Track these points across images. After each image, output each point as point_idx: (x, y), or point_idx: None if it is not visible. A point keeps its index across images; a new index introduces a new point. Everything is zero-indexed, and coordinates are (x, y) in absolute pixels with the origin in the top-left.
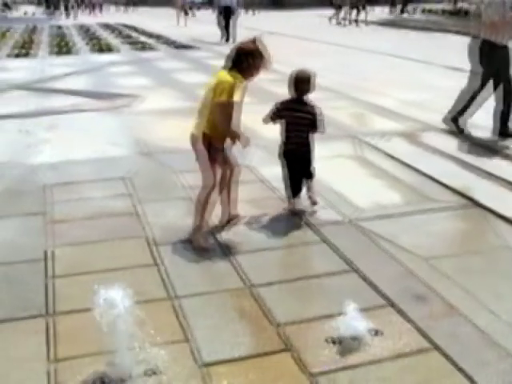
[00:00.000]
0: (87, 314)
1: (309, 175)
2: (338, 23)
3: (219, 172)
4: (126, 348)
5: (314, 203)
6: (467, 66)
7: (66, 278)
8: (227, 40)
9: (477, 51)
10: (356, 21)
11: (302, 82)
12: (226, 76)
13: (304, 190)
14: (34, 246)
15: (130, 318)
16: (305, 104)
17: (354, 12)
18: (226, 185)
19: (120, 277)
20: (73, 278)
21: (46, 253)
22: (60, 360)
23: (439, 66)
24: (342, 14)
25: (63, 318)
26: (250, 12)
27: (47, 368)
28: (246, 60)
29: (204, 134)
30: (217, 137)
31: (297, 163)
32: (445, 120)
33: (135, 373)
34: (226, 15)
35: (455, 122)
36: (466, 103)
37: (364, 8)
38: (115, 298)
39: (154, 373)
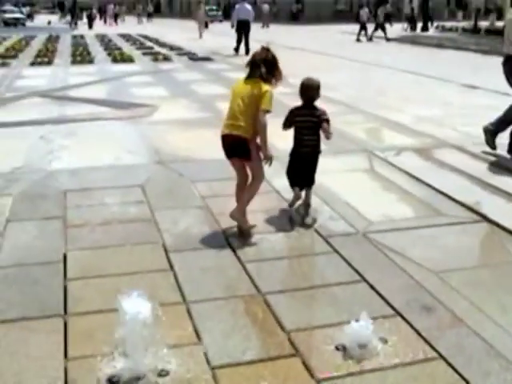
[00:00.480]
0: (103, 315)
1: (311, 182)
2: (358, 40)
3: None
4: (140, 349)
5: (308, 205)
6: (482, 83)
7: (83, 280)
8: (236, 50)
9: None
10: (387, 39)
11: (309, 89)
12: (265, 85)
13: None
14: (53, 249)
15: (145, 321)
16: (314, 109)
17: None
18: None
19: (135, 281)
20: (90, 280)
21: (65, 255)
22: (76, 358)
23: (455, 83)
24: (368, 31)
25: (79, 319)
26: (264, 26)
27: (64, 365)
28: (265, 67)
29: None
30: (253, 142)
31: (305, 165)
32: (486, 130)
33: (148, 373)
34: (243, 29)
35: (494, 136)
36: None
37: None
38: (131, 301)
39: (167, 373)
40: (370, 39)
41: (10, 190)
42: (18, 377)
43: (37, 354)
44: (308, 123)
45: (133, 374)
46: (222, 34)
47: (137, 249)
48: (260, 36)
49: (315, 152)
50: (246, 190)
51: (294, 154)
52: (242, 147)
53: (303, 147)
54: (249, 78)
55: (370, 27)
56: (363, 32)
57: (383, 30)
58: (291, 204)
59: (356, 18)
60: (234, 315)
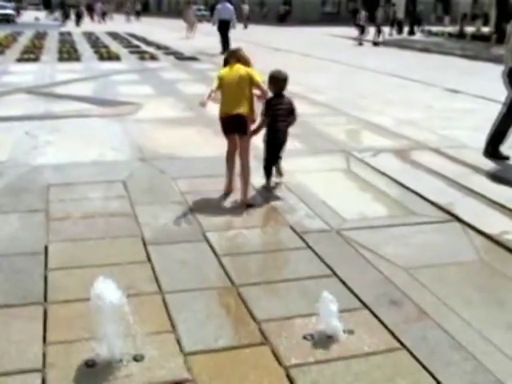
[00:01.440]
0: (81, 303)
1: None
2: (361, 44)
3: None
4: (116, 335)
5: (281, 174)
6: (464, 88)
7: (64, 270)
8: (223, 52)
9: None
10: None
11: (280, 80)
12: (244, 66)
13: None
14: (35, 240)
15: (120, 309)
16: (283, 97)
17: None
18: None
19: (114, 271)
20: (70, 270)
21: (46, 247)
22: (55, 343)
23: (438, 87)
24: (367, 35)
25: (59, 307)
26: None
27: (43, 350)
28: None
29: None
30: (251, 117)
31: (279, 149)
32: (486, 153)
33: (123, 357)
34: (224, 28)
35: (497, 152)
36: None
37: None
38: (107, 289)
39: (141, 358)
40: (375, 44)
41: None
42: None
43: (17, 338)
44: (286, 110)
45: (108, 359)
46: (210, 34)
47: (117, 241)
48: (245, 36)
49: (287, 132)
50: (242, 177)
51: (272, 140)
52: (242, 124)
53: (279, 132)
54: (230, 66)
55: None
56: (366, 36)
57: (379, 32)
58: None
59: (354, 22)
60: (208, 306)
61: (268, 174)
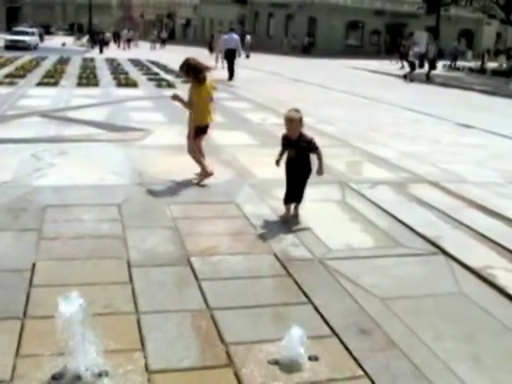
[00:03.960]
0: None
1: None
2: (412, 80)
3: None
4: (85, 351)
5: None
6: (477, 123)
7: (47, 287)
8: (230, 79)
9: None
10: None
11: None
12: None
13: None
14: (23, 258)
15: (92, 326)
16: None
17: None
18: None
19: (95, 291)
20: (53, 288)
21: (34, 265)
22: (26, 356)
23: (450, 121)
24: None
25: (36, 322)
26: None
27: (14, 362)
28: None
29: None
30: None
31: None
32: None
33: (89, 373)
34: (230, 57)
35: None
36: None
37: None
38: (79, 307)
39: (106, 374)
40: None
41: None
42: None
43: None
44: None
45: (74, 374)
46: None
47: (102, 262)
48: (265, 67)
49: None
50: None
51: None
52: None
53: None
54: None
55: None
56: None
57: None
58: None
59: (401, 56)
60: (180, 327)
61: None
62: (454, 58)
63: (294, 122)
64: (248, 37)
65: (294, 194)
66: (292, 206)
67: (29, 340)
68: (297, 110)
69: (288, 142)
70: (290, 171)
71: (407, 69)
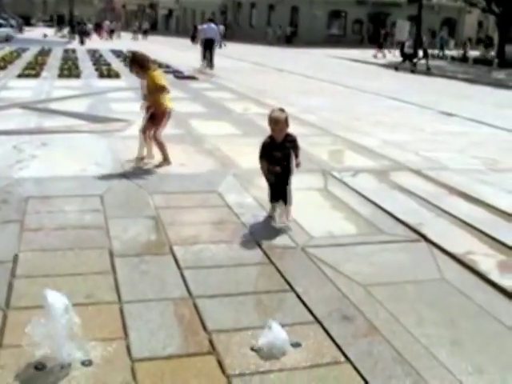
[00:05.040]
0: (41, 310)
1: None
2: (412, 71)
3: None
4: (68, 340)
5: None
6: (459, 111)
7: (29, 278)
8: (211, 68)
9: None
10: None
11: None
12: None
13: None
14: (6, 249)
15: (75, 316)
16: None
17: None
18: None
19: (78, 281)
20: (35, 279)
21: (16, 256)
22: (9, 347)
23: (433, 110)
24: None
25: (19, 312)
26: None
27: None
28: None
29: None
30: None
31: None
32: None
33: (72, 362)
34: (209, 46)
35: None
36: None
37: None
38: (62, 298)
39: (89, 363)
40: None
41: None
42: None
43: None
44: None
45: (56, 363)
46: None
47: (85, 253)
48: (249, 57)
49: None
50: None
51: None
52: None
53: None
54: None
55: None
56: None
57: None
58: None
59: (401, 50)
60: (163, 315)
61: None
62: (441, 47)
63: (280, 122)
64: (221, 27)
65: (280, 191)
66: (278, 210)
67: (12, 330)
68: (282, 110)
69: (273, 146)
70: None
71: (391, 58)
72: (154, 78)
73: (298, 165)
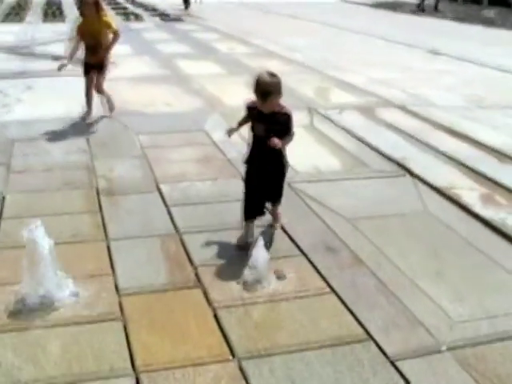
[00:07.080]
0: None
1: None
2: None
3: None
4: (55, 275)
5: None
6: (447, 50)
7: (17, 219)
8: (186, 9)
9: None
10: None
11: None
12: None
13: None
14: None
15: (61, 253)
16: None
17: None
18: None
19: (65, 220)
20: (23, 219)
21: (3, 198)
22: None
23: (421, 49)
24: None
25: (7, 251)
26: None
27: None
28: None
29: None
30: None
31: None
32: None
33: (60, 295)
34: None
35: None
36: None
37: None
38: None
39: (77, 296)
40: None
41: None
42: None
43: None
44: None
45: (43, 296)
46: None
47: (72, 193)
48: None
49: None
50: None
51: None
52: None
53: None
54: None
55: None
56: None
57: None
58: None
59: None
60: (150, 251)
61: None
62: None
63: (269, 92)
64: None
65: (259, 203)
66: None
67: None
68: (273, 74)
69: (257, 114)
70: (253, 163)
71: None
72: (107, 21)
73: (275, 143)
